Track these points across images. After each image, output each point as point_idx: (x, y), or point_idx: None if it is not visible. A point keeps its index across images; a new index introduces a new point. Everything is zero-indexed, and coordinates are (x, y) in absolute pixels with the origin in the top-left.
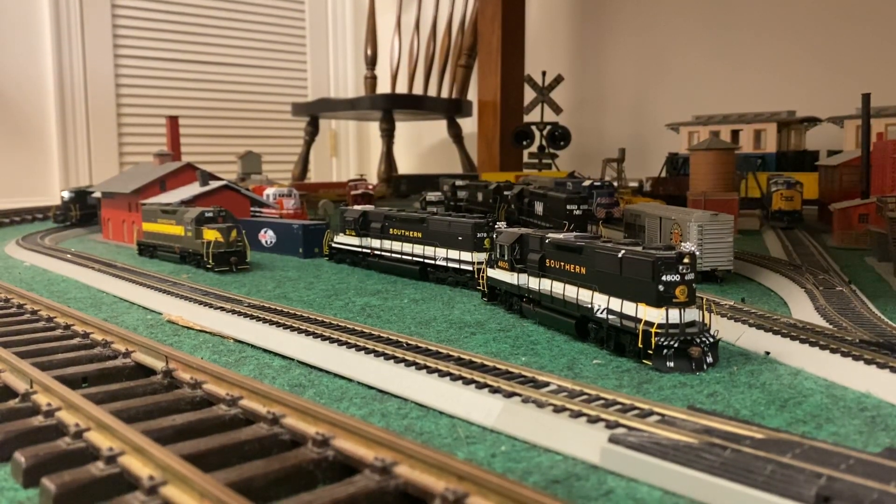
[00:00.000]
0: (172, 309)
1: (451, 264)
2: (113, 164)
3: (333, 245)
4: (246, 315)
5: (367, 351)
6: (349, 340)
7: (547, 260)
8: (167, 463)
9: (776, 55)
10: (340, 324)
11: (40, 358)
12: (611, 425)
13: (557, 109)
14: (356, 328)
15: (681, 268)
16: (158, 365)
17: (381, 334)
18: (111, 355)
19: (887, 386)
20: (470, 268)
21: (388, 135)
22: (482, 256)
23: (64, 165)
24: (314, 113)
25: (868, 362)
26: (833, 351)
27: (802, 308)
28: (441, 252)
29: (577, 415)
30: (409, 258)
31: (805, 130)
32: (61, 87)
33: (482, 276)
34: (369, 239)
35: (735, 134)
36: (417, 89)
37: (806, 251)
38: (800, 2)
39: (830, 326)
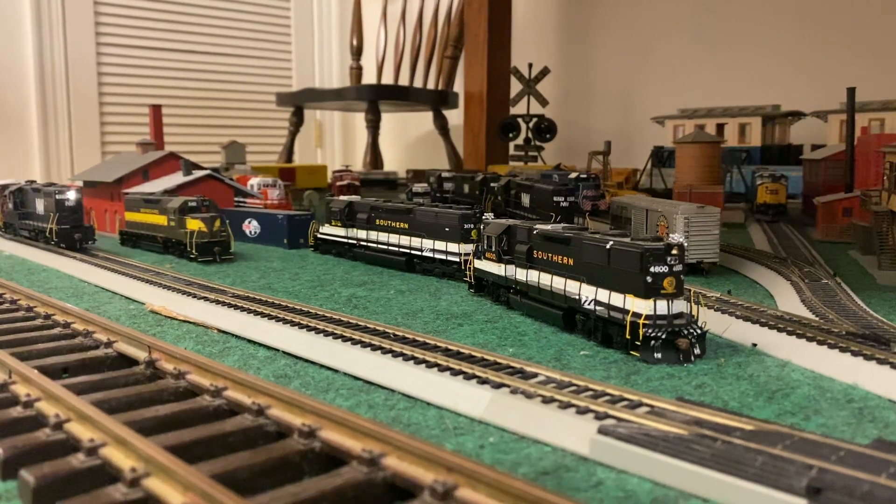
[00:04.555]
0: (155, 299)
1: (437, 255)
2: (95, 152)
3: (319, 236)
4: (230, 305)
5: (354, 342)
6: (335, 331)
7: (534, 251)
8: (150, 454)
9: (761, 49)
10: (326, 314)
11: (19, 348)
12: (600, 416)
13: (544, 102)
14: (342, 319)
15: (669, 259)
16: (141, 355)
17: (368, 325)
18: (92, 345)
19: (874, 377)
20: (457, 259)
21: (374, 126)
22: (469, 247)
23: (45, 154)
24: (299, 103)
25: (855, 354)
26: (820, 343)
27: (788, 300)
28: (428, 243)
29: (565, 406)
30: (396, 249)
31: (789, 124)
32: (42, 75)
33: (469, 268)
34: (355, 230)
35: (720, 127)
36: (403, 80)
37: (791, 244)
38: None
39: (817, 318)
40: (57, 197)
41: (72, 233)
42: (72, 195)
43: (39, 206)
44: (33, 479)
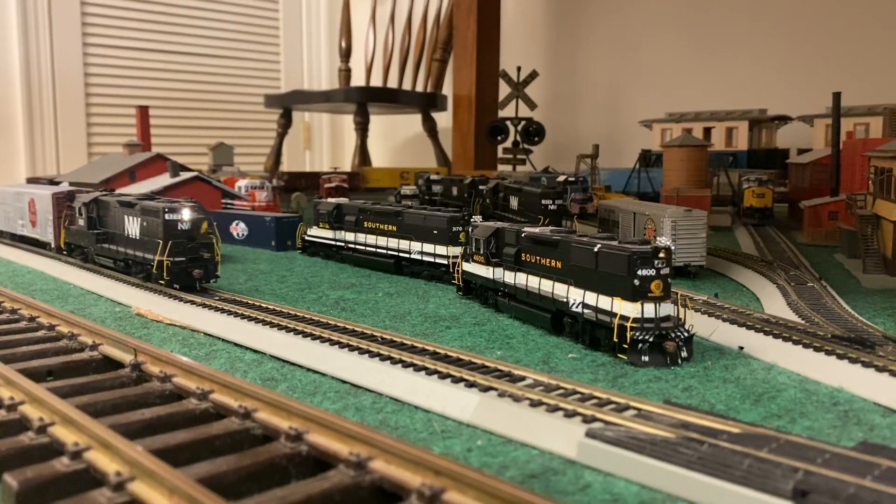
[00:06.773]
0: (141, 302)
1: (426, 258)
2: (81, 153)
3: (307, 238)
4: (217, 308)
5: (342, 345)
6: (323, 334)
7: (522, 254)
8: (135, 458)
9: (748, 54)
10: (314, 317)
11: (3, 351)
12: (587, 419)
13: (532, 105)
14: (330, 322)
15: (656, 262)
16: (127, 358)
17: (356, 328)
18: (77, 348)
19: (859, 381)
20: (445, 262)
21: (363, 128)
22: (457, 250)
23: (31, 155)
24: (287, 105)
25: (840, 357)
26: (806, 346)
27: (775, 303)
28: (416, 246)
29: (553, 409)
30: (384, 251)
31: (776, 129)
32: (28, 75)
33: (457, 270)
34: (343, 232)
35: (707, 131)
36: (392, 83)
37: (777, 248)
38: (772, 2)
39: (803, 322)
40: (166, 217)
41: (190, 268)
42: (187, 214)
43: (132, 226)
44: (16, 484)
